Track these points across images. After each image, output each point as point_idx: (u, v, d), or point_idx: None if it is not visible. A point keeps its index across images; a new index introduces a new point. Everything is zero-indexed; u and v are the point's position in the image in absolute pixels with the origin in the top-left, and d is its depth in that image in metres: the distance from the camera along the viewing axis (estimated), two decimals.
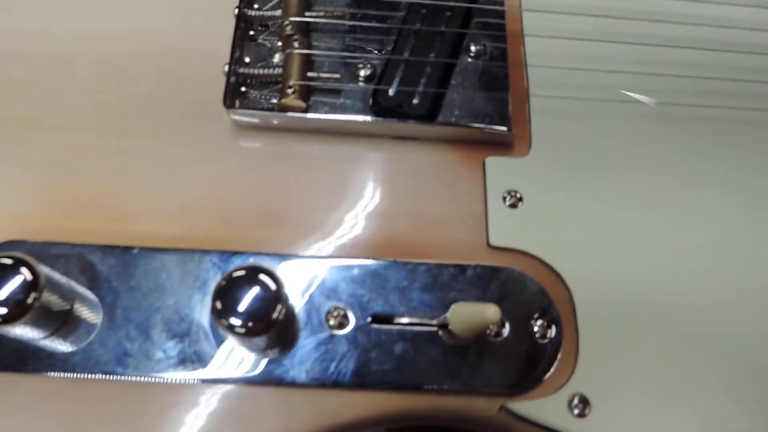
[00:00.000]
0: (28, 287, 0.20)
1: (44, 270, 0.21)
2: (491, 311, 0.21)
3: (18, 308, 0.20)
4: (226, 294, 0.20)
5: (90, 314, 0.23)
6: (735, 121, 0.28)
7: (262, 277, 0.20)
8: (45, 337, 0.22)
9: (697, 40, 0.29)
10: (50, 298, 0.21)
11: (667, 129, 0.28)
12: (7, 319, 0.20)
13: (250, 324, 0.20)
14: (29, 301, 0.20)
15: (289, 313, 0.22)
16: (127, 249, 0.24)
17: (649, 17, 0.29)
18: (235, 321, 0.20)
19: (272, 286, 0.20)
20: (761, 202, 0.26)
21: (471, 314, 0.21)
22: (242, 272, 0.20)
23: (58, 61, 0.27)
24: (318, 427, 0.22)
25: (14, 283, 0.20)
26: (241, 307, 0.20)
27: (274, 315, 0.21)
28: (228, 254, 0.24)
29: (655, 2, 0.30)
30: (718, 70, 0.29)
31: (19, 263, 0.20)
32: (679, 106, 0.28)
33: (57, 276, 0.22)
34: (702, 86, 0.28)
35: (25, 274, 0.20)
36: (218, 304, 0.20)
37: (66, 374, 0.22)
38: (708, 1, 0.30)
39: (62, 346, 0.23)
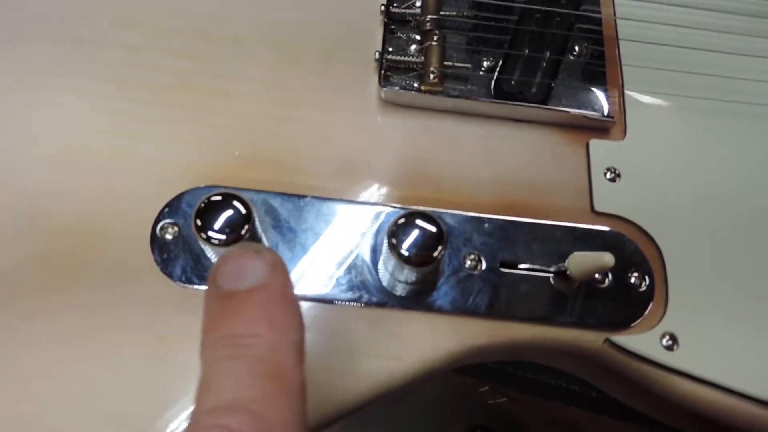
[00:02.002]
0: (244, 218, 0.25)
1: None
2: (607, 257, 0.26)
3: (234, 234, 0.25)
4: (402, 231, 0.25)
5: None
6: None
7: (430, 223, 0.26)
8: None
9: (761, 51, 0.34)
10: (254, 230, 0.26)
11: (741, 121, 0.33)
12: (227, 243, 0.25)
13: (420, 257, 0.25)
14: (243, 230, 0.26)
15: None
16: (301, 197, 0.29)
17: (726, 30, 0.34)
18: (405, 253, 0.25)
19: (436, 230, 0.26)
20: None
21: (589, 260, 0.27)
22: (419, 217, 0.25)
23: (237, 41, 0.32)
24: (458, 347, 0.27)
25: (230, 214, 0.25)
26: (411, 243, 0.25)
27: (436, 253, 0.26)
28: (383, 206, 0.29)
29: (731, 17, 0.35)
30: None
31: (234, 198, 0.26)
32: (748, 105, 0.33)
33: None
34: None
35: (240, 207, 0.26)
36: (393, 240, 0.25)
37: None
38: None
39: None
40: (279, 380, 0.18)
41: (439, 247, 0.26)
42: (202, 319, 0.20)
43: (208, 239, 0.25)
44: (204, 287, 0.27)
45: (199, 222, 0.25)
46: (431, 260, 0.26)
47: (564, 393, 0.51)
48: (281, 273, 0.20)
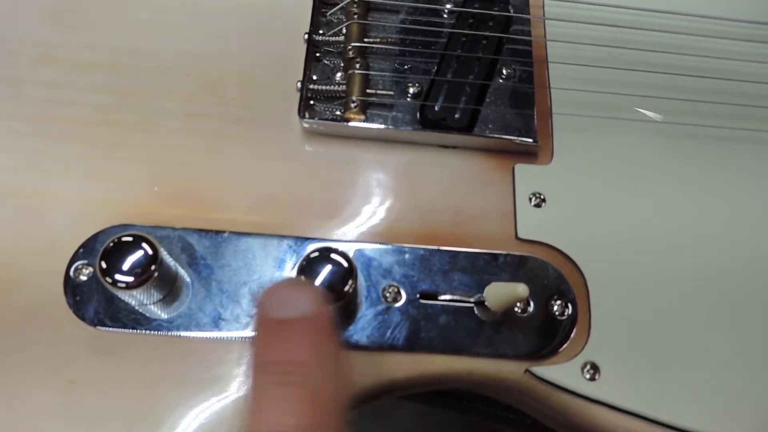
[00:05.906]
0: (150, 259, 0.25)
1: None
2: (521, 289, 0.26)
3: (141, 276, 0.25)
4: (311, 268, 0.25)
5: (184, 287, 0.28)
6: (727, 137, 0.33)
7: (339, 257, 0.25)
8: (153, 303, 0.27)
9: (695, 69, 0.34)
10: (163, 270, 0.26)
11: (670, 142, 0.32)
12: (131, 286, 0.25)
13: (330, 293, 0.25)
14: (151, 271, 0.25)
15: (356, 288, 0.27)
16: (218, 233, 0.29)
17: (656, 48, 0.34)
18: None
19: (346, 264, 0.26)
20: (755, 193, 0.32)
21: (504, 291, 0.26)
22: (328, 252, 0.25)
23: (157, 74, 0.32)
24: (376, 383, 0.27)
25: (138, 255, 0.25)
26: (320, 280, 0.25)
27: (347, 288, 0.26)
28: (301, 239, 0.29)
29: (661, 35, 0.34)
30: (714, 94, 0.34)
31: (142, 239, 0.26)
32: (681, 125, 0.33)
33: (165, 252, 0.27)
34: (699, 107, 0.33)
35: (146, 248, 0.25)
36: (303, 277, 0.25)
37: (172, 333, 0.27)
38: (705, 36, 0.35)
39: (162, 312, 0.28)
40: (321, 409, 0.19)
41: (350, 282, 0.25)
42: (251, 343, 0.21)
43: (114, 283, 0.25)
44: (116, 330, 0.27)
45: (104, 265, 0.25)
46: (342, 296, 0.26)
47: None
48: (326, 307, 0.22)
